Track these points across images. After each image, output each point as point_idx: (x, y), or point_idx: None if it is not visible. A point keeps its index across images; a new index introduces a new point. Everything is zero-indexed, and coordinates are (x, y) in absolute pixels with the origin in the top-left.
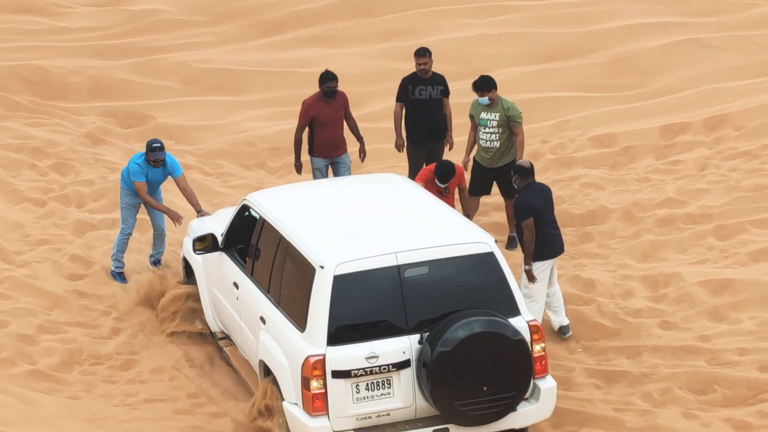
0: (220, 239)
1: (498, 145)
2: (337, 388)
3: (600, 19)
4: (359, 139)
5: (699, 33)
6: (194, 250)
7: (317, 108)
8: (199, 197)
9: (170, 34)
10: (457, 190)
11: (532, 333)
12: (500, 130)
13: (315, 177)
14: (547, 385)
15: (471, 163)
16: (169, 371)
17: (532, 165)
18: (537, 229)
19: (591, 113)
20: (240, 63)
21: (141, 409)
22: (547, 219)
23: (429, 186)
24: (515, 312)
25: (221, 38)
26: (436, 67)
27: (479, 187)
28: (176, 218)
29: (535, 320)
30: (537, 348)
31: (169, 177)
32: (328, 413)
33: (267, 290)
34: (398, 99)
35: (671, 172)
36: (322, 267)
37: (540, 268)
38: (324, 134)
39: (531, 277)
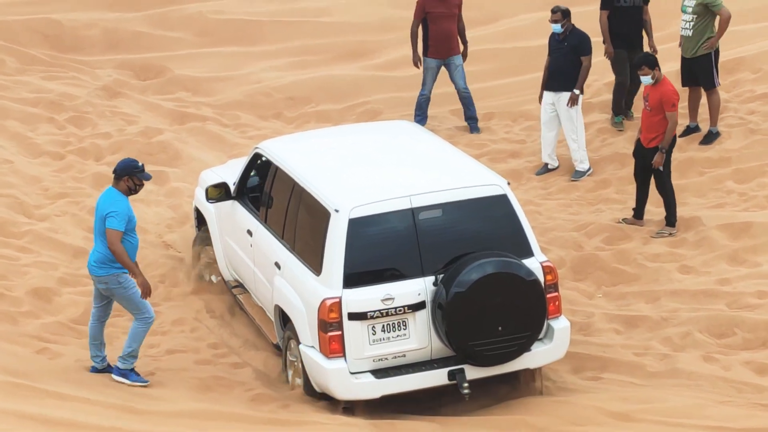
0: (232, 188)
1: (691, 34)
2: (354, 330)
3: None
4: (464, 42)
5: None
6: (207, 199)
7: (431, 4)
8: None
9: None
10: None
11: (545, 274)
12: (695, 18)
13: (425, 77)
14: (560, 325)
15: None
16: (190, 322)
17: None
18: None
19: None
20: (254, 14)
21: (163, 361)
22: None
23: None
24: (528, 253)
25: None
26: None
27: (686, 78)
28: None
29: (548, 261)
30: (550, 288)
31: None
32: (344, 355)
33: (281, 236)
34: (603, 7)
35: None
36: (337, 210)
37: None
38: (437, 29)
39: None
